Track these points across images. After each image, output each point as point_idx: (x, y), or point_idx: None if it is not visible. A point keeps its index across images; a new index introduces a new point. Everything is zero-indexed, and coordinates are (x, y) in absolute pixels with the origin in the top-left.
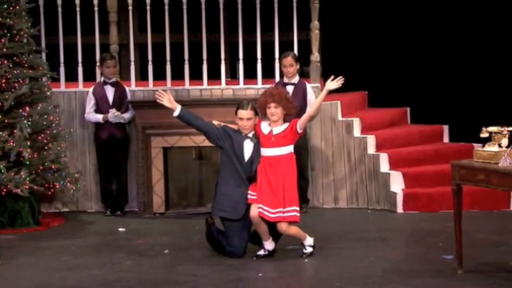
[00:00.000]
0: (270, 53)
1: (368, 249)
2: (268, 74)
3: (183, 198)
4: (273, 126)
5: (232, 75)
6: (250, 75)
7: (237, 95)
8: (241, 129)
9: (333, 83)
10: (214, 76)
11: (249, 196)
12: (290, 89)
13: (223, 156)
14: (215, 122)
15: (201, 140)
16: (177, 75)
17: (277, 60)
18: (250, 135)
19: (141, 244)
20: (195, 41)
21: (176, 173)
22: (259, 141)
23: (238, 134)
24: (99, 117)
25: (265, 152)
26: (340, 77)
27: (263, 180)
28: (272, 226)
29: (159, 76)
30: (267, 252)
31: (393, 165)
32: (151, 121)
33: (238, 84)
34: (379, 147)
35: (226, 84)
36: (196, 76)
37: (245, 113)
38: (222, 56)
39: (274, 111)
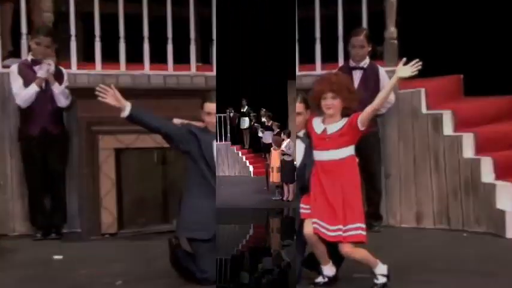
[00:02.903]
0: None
1: (462, 286)
2: (329, 56)
3: (140, 214)
4: (328, 123)
5: (204, 60)
6: (306, 59)
7: (210, 85)
8: (209, 127)
9: (406, 69)
10: (181, 60)
11: (301, 210)
12: (358, 74)
13: (189, 163)
14: (177, 121)
15: None
16: (134, 57)
17: (340, 38)
18: (301, 134)
19: (84, 276)
20: (158, 14)
21: (132, 181)
22: (311, 141)
23: (206, 132)
24: (33, 88)
25: (319, 155)
26: (417, 60)
27: (317, 190)
28: (333, 246)
29: (110, 56)
30: (326, 279)
31: (500, 173)
32: (100, 115)
33: (211, 70)
34: (480, 149)
35: (197, 70)
36: (159, 59)
37: (211, 107)
38: (192, 35)
39: (331, 102)
